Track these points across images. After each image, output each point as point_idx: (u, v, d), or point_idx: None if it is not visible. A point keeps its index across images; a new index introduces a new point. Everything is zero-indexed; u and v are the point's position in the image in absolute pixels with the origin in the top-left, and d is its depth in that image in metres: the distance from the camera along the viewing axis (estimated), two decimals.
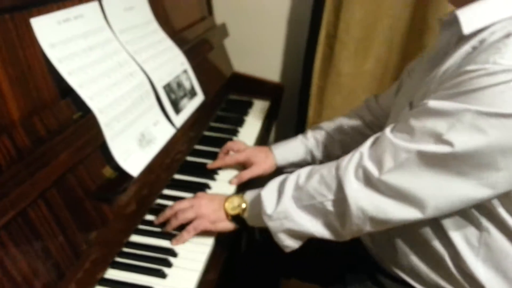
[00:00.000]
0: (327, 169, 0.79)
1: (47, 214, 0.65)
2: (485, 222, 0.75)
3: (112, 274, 0.76)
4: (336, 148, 1.11)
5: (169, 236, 0.85)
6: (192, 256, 0.82)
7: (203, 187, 1.00)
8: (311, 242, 0.83)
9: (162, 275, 0.77)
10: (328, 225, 0.78)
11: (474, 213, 0.75)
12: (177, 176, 1.03)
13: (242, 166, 1.09)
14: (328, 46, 1.61)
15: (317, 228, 0.79)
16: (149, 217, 0.89)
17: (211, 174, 1.05)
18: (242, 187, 1.05)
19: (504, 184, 0.67)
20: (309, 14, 1.60)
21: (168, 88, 1.02)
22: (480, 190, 0.68)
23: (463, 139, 0.65)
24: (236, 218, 0.87)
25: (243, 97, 1.55)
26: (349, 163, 0.76)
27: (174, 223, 0.86)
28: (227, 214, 0.87)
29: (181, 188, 0.98)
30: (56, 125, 0.70)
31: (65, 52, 0.76)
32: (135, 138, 0.86)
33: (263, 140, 1.36)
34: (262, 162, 1.08)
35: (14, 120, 0.66)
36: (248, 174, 1.06)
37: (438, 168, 0.68)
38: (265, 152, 1.11)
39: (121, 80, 0.87)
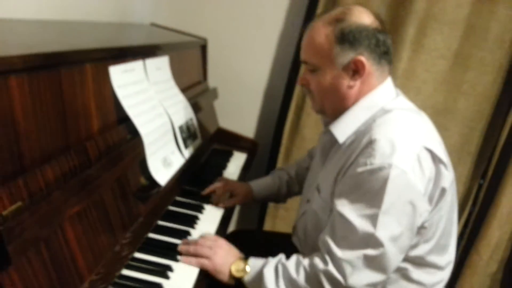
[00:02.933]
0: (309, 268, 1.00)
1: (112, 199, 0.93)
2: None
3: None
4: (295, 185, 1.47)
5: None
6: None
7: (199, 208, 1.29)
8: None
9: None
10: None
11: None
12: (178, 198, 1.32)
13: (229, 194, 1.39)
14: (296, 115, 2.00)
15: None
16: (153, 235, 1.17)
17: (201, 205, 1.34)
18: (227, 213, 1.35)
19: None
20: (283, 89, 2.00)
21: (181, 128, 1.34)
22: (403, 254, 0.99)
23: (389, 232, 0.93)
24: (236, 278, 1.06)
25: (225, 147, 1.88)
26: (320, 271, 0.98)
27: (191, 250, 1.06)
28: (230, 273, 1.06)
29: (182, 206, 1.27)
30: (117, 140, 1.00)
31: (126, 92, 1.07)
32: (161, 159, 1.16)
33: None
34: (243, 194, 1.40)
35: (95, 132, 0.95)
36: (232, 202, 1.36)
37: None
38: (246, 186, 1.43)
39: (155, 118, 1.19)
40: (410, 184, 0.93)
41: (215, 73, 2.00)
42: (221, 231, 1.25)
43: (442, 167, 0.98)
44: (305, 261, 1.02)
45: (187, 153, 1.35)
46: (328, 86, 1.04)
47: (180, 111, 1.39)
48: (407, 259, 1.04)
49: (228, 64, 2.06)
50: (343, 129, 1.06)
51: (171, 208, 1.25)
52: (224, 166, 1.68)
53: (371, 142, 0.96)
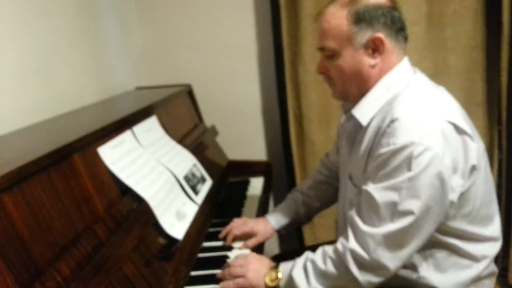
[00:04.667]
0: (334, 254, 1.03)
1: (134, 269, 0.98)
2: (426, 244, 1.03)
3: None
4: (314, 201, 1.44)
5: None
6: None
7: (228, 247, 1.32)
8: None
9: None
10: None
11: None
12: (206, 244, 1.36)
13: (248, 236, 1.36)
14: (298, 124, 2.03)
15: None
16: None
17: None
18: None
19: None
20: (276, 103, 2.04)
21: (186, 178, 1.39)
22: (433, 227, 0.98)
23: (415, 203, 0.93)
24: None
25: (241, 178, 1.91)
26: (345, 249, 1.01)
27: (226, 273, 1.13)
28: (266, 285, 1.10)
29: (210, 251, 1.30)
30: (125, 212, 1.06)
31: (121, 165, 1.14)
32: (173, 215, 1.21)
33: (264, 207, 1.70)
34: (263, 231, 1.36)
35: (101, 212, 1.01)
36: (254, 241, 1.33)
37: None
38: (263, 222, 1.38)
39: (157, 178, 1.24)
40: (436, 159, 0.93)
41: (211, 111, 2.06)
42: None
43: (467, 138, 0.98)
44: (330, 250, 1.05)
45: (199, 199, 1.40)
46: (350, 68, 1.05)
47: (181, 161, 1.44)
48: (450, 233, 1.04)
49: (220, 99, 2.12)
50: (366, 111, 1.06)
51: (201, 255, 1.30)
52: (243, 198, 1.72)
53: (392, 121, 0.98)
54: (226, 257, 1.27)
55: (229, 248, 1.32)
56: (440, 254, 1.06)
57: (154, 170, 1.26)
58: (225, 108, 2.12)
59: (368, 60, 1.04)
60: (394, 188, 0.95)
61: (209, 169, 1.71)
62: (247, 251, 1.29)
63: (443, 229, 1.03)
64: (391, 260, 0.98)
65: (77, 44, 1.66)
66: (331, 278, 1.03)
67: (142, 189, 1.14)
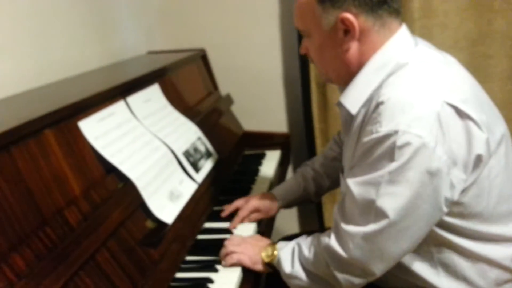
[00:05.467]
0: (318, 244, 0.95)
1: (109, 258, 0.89)
2: (432, 247, 0.91)
3: None
4: (324, 179, 1.31)
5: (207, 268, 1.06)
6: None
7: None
8: None
9: None
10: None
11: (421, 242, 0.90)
12: (207, 225, 1.25)
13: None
14: (321, 94, 1.86)
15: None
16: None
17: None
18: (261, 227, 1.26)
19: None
20: (298, 72, 1.87)
21: (187, 153, 1.28)
22: (424, 229, 0.85)
23: (391, 202, 0.80)
24: (269, 264, 1.04)
25: (256, 150, 1.79)
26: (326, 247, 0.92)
27: (223, 251, 1.07)
28: (262, 260, 1.05)
29: (211, 233, 1.20)
30: (106, 194, 0.96)
31: (106, 141, 1.03)
32: (166, 195, 1.11)
33: (279, 182, 1.57)
34: (269, 208, 1.27)
35: (77, 194, 0.92)
36: (255, 217, 1.24)
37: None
38: (268, 197, 1.28)
39: (149, 154, 1.14)
40: (424, 150, 0.78)
41: (228, 79, 1.92)
42: None
43: (472, 125, 0.81)
44: (317, 238, 0.97)
45: (200, 176, 1.29)
46: (323, 51, 0.95)
47: (183, 135, 1.33)
48: (460, 233, 0.89)
49: (238, 66, 1.97)
50: (354, 98, 0.92)
51: (200, 237, 1.20)
52: (256, 171, 1.60)
53: (378, 106, 0.83)
54: None
55: (231, 232, 1.21)
56: (451, 259, 0.92)
57: (147, 146, 1.15)
58: (244, 76, 1.97)
59: (340, 43, 0.90)
60: (372, 183, 0.82)
61: (221, 140, 1.60)
62: (251, 226, 1.21)
63: (451, 228, 0.89)
64: (373, 264, 0.86)
65: (80, 3, 1.55)
66: (314, 268, 0.96)
67: (128, 168, 1.04)
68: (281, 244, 1.05)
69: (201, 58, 1.80)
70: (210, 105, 1.67)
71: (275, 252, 1.04)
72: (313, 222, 2.10)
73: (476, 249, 0.90)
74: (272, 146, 1.81)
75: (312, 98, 1.85)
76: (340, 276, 0.90)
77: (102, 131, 1.04)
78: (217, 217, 1.27)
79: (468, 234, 0.89)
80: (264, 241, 1.10)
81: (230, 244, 1.08)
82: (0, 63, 1.21)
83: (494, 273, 0.91)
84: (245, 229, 1.21)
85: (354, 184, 0.86)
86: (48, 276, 0.74)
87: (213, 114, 1.64)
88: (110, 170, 1.02)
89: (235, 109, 1.88)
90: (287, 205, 1.32)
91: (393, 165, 0.79)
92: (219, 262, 1.07)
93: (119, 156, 1.04)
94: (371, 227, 0.83)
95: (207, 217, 1.28)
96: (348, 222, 0.88)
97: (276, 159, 1.72)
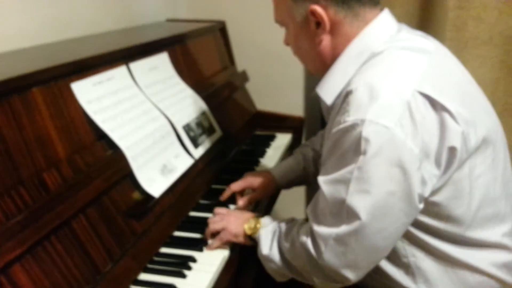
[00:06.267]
0: (296, 236, 0.90)
1: (87, 226, 0.86)
2: (409, 248, 0.86)
3: (144, 277, 0.94)
4: None
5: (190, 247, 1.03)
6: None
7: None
8: None
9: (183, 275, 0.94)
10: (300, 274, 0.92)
11: (397, 243, 0.85)
12: (202, 201, 1.21)
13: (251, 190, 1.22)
14: None
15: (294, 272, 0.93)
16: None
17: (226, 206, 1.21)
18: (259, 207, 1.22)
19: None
20: None
21: (187, 127, 1.23)
22: (401, 229, 0.79)
23: (363, 200, 0.75)
24: (251, 237, 1.01)
25: (267, 132, 1.73)
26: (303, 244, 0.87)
27: (207, 231, 1.04)
28: (245, 232, 1.03)
29: (205, 210, 1.16)
30: (92, 160, 0.93)
31: (99, 106, 1.00)
32: (157, 168, 1.07)
33: None
34: (263, 185, 1.21)
35: (61, 158, 0.89)
36: (252, 197, 1.19)
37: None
38: (265, 176, 1.23)
39: (145, 124, 1.10)
40: (394, 141, 0.73)
41: (247, 56, 1.86)
42: None
43: (447, 117, 0.75)
44: (297, 229, 0.92)
45: (198, 152, 1.24)
46: (298, 43, 0.94)
47: (187, 108, 1.28)
48: (439, 235, 0.84)
49: (259, 42, 1.89)
50: (330, 88, 0.89)
51: (192, 214, 1.16)
52: (262, 153, 1.54)
53: (347, 95, 0.79)
54: None
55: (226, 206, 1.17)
56: (430, 265, 0.86)
57: (145, 115, 1.11)
58: (263, 53, 1.89)
59: (313, 36, 0.88)
60: (342, 181, 0.77)
61: (230, 118, 1.55)
62: None
63: (429, 230, 0.84)
64: (347, 269, 0.81)
65: None
66: (291, 258, 0.92)
67: (119, 136, 1.00)
68: (265, 220, 1.02)
69: (220, 30, 1.73)
70: (223, 80, 1.62)
71: (258, 225, 1.01)
72: None
73: (456, 254, 0.85)
74: (284, 129, 1.75)
75: None
76: (315, 277, 0.87)
77: (96, 95, 1.01)
78: (214, 195, 1.23)
79: (448, 237, 0.84)
80: (249, 214, 1.07)
81: (212, 222, 1.05)
82: (9, 17, 1.18)
83: (476, 280, 0.85)
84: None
85: (324, 183, 0.81)
86: (13, 238, 0.71)
87: (224, 89, 1.58)
88: (101, 137, 0.99)
89: (250, 86, 1.81)
90: (286, 185, 1.27)
91: (360, 159, 0.74)
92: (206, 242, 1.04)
93: (111, 123, 1.00)
94: (343, 229, 0.78)
95: (203, 194, 1.24)
96: (320, 223, 0.83)
97: (286, 143, 1.66)
